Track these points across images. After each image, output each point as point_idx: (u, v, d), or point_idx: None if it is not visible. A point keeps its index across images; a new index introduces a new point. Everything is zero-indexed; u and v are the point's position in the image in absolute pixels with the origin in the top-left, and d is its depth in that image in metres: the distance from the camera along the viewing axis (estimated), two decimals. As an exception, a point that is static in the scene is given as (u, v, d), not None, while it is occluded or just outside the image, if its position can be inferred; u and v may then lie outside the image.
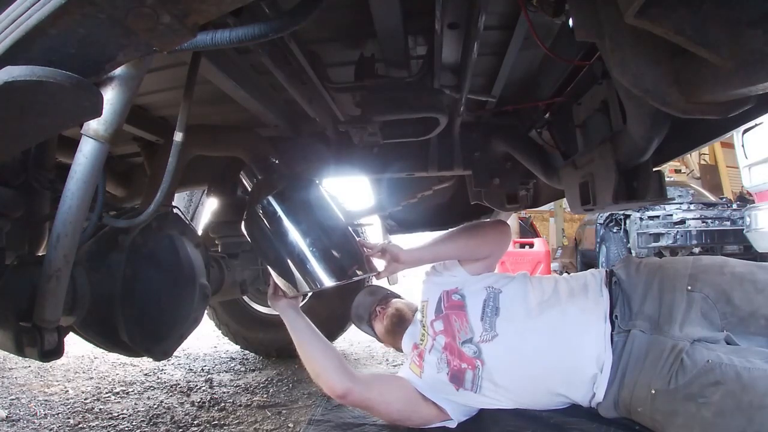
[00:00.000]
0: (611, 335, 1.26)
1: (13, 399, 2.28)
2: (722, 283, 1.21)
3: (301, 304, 1.45)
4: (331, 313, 2.67)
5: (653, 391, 1.15)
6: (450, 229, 1.62)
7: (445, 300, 1.46)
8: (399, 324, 1.61)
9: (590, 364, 1.25)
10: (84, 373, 2.77)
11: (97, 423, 1.98)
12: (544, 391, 1.32)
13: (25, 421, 2.01)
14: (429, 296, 1.53)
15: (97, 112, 0.56)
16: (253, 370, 2.79)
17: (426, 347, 1.43)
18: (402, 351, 1.63)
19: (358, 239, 1.38)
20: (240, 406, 2.16)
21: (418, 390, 1.36)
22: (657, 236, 5.73)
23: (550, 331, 1.30)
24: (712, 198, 6.90)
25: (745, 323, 1.17)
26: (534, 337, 1.30)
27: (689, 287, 1.23)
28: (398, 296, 1.79)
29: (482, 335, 1.35)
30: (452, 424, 1.35)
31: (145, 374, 2.71)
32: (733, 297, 1.18)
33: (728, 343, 1.15)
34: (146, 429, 1.92)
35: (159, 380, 2.60)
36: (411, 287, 4.39)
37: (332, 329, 2.70)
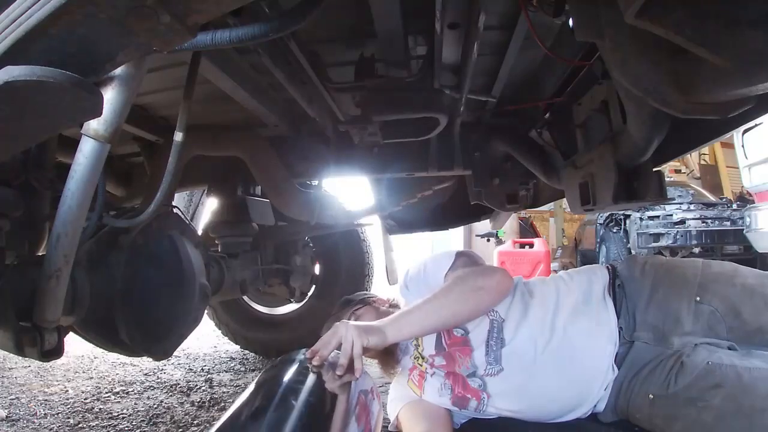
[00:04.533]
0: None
1: (13, 399, 2.28)
2: (732, 295, 1.17)
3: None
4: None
5: (651, 396, 1.13)
6: (442, 290, 1.22)
7: (446, 337, 1.32)
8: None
9: (597, 389, 1.22)
10: (84, 373, 2.77)
11: (97, 423, 1.98)
12: (548, 413, 1.28)
13: (25, 421, 2.01)
14: None
15: (97, 112, 0.56)
16: (253, 370, 2.79)
17: (427, 371, 1.35)
18: (381, 363, 1.48)
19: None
20: (240, 406, 2.16)
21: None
22: (657, 236, 5.74)
23: (558, 364, 1.23)
24: (712, 198, 6.90)
25: (750, 337, 1.15)
26: (540, 372, 1.24)
27: (698, 298, 1.19)
28: (375, 297, 1.61)
29: (486, 369, 1.27)
30: (454, 426, 1.35)
31: (145, 374, 2.71)
32: (743, 311, 1.15)
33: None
34: (146, 429, 1.92)
35: (159, 380, 2.60)
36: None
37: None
